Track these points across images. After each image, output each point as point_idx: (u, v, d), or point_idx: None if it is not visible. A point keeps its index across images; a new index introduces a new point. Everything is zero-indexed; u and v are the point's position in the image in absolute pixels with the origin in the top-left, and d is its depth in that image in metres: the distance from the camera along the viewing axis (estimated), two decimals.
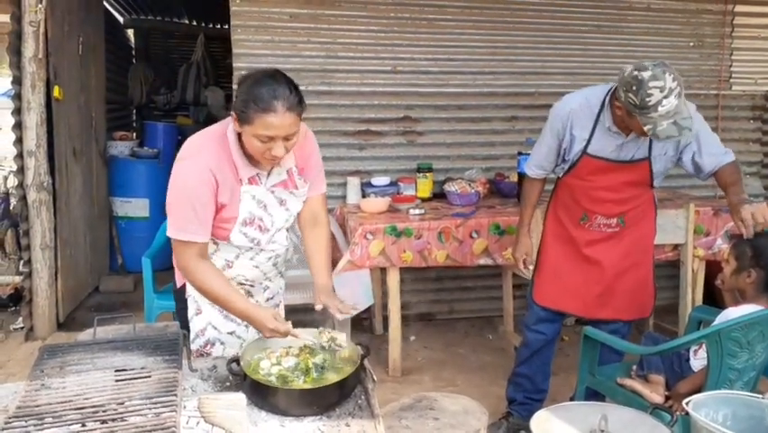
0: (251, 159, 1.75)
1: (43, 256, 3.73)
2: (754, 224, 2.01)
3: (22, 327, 3.84)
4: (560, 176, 2.56)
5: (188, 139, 1.80)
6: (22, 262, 3.87)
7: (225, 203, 1.74)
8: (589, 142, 2.35)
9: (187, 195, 1.70)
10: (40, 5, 3.50)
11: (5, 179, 5.25)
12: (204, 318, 1.91)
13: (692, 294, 3.53)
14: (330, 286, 1.92)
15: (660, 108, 2.02)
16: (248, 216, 1.78)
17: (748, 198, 2.15)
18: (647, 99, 2.02)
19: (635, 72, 2.06)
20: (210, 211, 1.73)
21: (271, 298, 2.09)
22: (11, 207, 4.71)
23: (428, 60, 4.02)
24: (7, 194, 4.96)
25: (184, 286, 1.92)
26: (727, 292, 2.25)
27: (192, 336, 1.91)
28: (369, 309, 3.75)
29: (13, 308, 4.13)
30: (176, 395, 1.32)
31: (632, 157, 2.34)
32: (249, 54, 3.76)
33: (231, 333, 1.93)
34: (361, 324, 3.99)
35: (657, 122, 2.05)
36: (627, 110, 2.13)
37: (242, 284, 1.95)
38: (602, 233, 2.50)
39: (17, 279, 4.04)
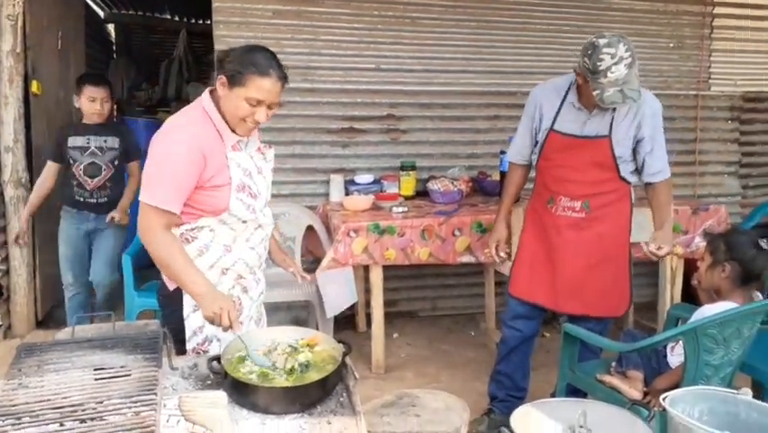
0: (230, 126, 1.81)
1: (21, 253, 3.67)
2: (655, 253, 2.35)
3: (0, 325, 3.78)
4: (534, 164, 2.63)
5: (169, 119, 1.85)
6: None
7: (214, 173, 1.76)
8: (555, 119, 2.45)
9: (172, 165, 1.72)
10: None
11: None
12: (200, 316, 1.83)
13: (671, 292, 3.59)
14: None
15: (609, 74, 2.13)
16: (239, 183, 1.81)
17: (667, 227, 2.44)
18: (598, 64, 2.13)
19: (593, 39, 2.20)
20: (191, 184, 1.74)
21: (261, 294, 2.08)
22: None
23: (412, 59, 4.03)
24: None
25: (178, 288, 1.86)
26: (703, 291, 2.28)
27: (188, 334, 1.89)
28: (352, 307, 3.75)
29: None
30: (155, 394, 1.31)
31: (595, 134, 2.39)
32: None
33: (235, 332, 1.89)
34: (345, 321, 3.99)
35: (605, 88, 2.16)
36: (583, 76, 2.23)
37: (241, 278, 1.94)
38: (568, 218, 2.49)
39: None
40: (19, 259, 3.67)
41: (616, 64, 2.12)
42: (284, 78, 1.77)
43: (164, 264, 1.77)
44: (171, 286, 1.88)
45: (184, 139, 1.74)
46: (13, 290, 3.69)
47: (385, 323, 3.42)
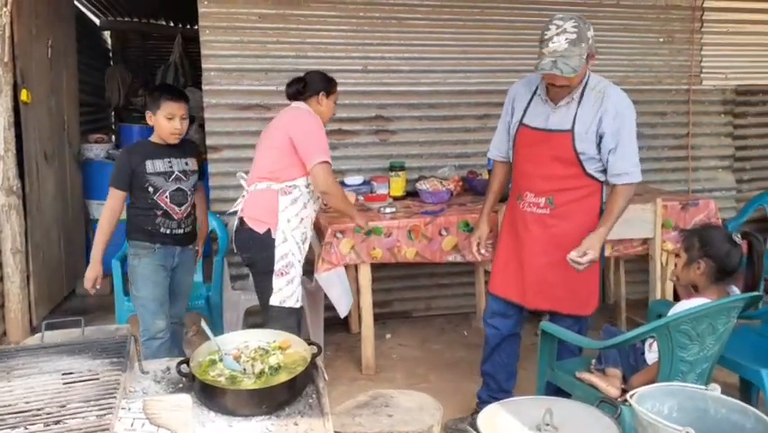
0: None
1: (14, 261, 3.70)
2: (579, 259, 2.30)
3: None
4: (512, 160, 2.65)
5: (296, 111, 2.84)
6: None
7: None
8: (525, 112, 2.48)
9: (321, 131, 2.72)
10: (5, 9, 3.47)
11: None
12: (287, 246, 2.70)
13: (662, 288, 3.56)
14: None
15: (550, 44, 2.18)
16: None
17: (600, 232, 2.35)
18: (545, 33, 2.23)
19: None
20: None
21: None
22: None
23: (399, 59, 4.04)
24: None
25: (269, 230, 2.70)
26: (682, 288, 2.28)
27: (277, 258, 2.70)
28: None
29: None
30: (115, 397, 1.32)
31: (557, 127, 2.39)
32: (218, 55, 3.76)
33: (299, 261, 2.74)
34: (338, 322, 4.00)
35: (542, 57, 2.21)
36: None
37: (308, 229, 2.85)
38: (533, 214, 2.48)
39: None
40: (12, 266, 3.69)
41: (558, 35, 2.17)
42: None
43: (341, 200, 2.87)
44: (262, 229, 2.71)
45: (316, 118, 2.75)
46: (7, 297, 3.72)
47: (378, 324, 3.43)
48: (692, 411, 1.67)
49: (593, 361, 2.30)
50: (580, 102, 2.37)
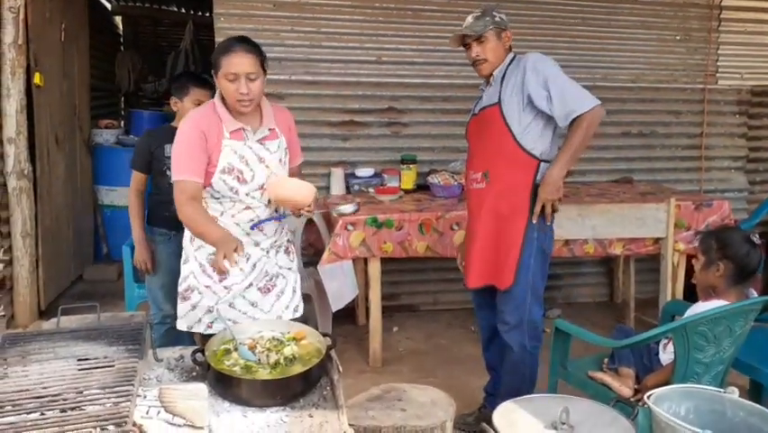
0: (233, 113, 2.04)
1: (24, 244, 3.71)
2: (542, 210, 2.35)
3: (3, 315, 3.82)
4: None
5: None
6: (2, 250, 3.85)
7: (212, 151, 2.03)
8: (476, 104, 2.60)
9: (180, 144, 2.04)
10: None
11: None
12: (188, 267, 2.17)
13: (672, 288, 3.54)
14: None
15: (463, 24, 2.51)
16: (227, 166, 2.03)
17: (553, 173, 2.34)
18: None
19: None
20: (200, 155, 2.01)
21: (263, 276, 2.17)
22: None
23: (413, 51, 4.01)
24: None
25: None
26: (701, 291, 2.24)
27: (180, 279, 2.20)
28: (353, 300, 3.75)
29: None
30: (133, 385, 1.32)
31: (488, 103, 2.48)
32: None
33: (207, 286, 2.12)
34: (345, 314, 4.00)
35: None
36: None
37: None
38: (474, 190, 2.54)
39: None
40: (22, 250, 3.70)
41: (468, 17, 2.50)
42: (256, 52, 1.99)
43: (190, 228, 2.08)
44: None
45: (187, 123, 2.07)
46: (17, 281, 3.73)
47: (385, 317, 3.42)
48: (709, 414, 1.65)
49: (605, 360, 2.29)
50: (503, 77, 2.45)
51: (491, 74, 2.48)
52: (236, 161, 2.04)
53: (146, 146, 2.82)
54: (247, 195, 2.07)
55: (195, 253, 2.16)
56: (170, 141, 2.65)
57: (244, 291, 2.14)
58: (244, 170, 2.05)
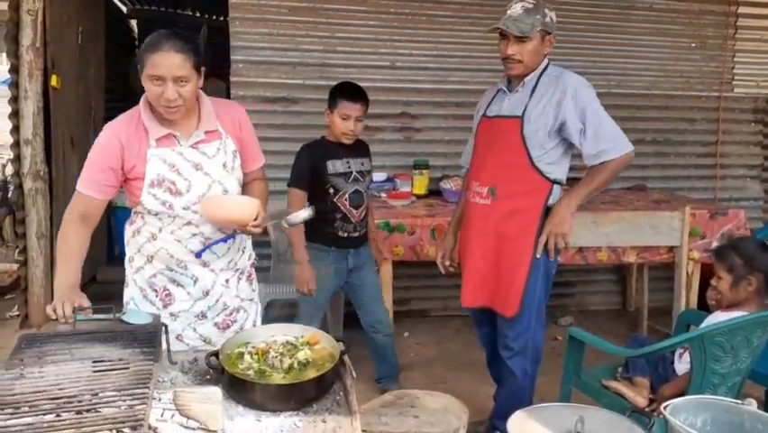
0: (161, 119, 1.80)
1: (39, 245, 3.74)
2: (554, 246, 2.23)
3: (17, 315, 3.86)
4: None
5: None
6: (18, 250, 3.89)
7: (135, 164, 1.80)
8: (488, 105, 2.44)
9: (92, 153, 1.82)
10: None
11: (3, 167, 5.26)
12: (128, 292, 1.99)
13: (687, 297, 3.52)
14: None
15: (509, 11, 2.26)
16: (156, 178, 1.80)
17: (566, 203, 2.24)
18: (508, 5, 2.29)
19: None
20: (108, 171, 1.80)
21: (221, 309, 2.00)
22: (9, 195, 4.73)
23: (427, 57, 4.01)
24: (5, 182, 4.96)
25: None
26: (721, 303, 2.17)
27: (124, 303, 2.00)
28: None
29: (12, 296, 4.15)
30: (148, 388, 1.32)
31: (509, 113, 2.32)
32: (247, 47, 3.76)
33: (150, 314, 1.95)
34: (356, 318, 3.99)
35: (502, 21, 2.27)
36: None
37: (170, 270, 1.93)
38: (477, 205, 2.37)
39: (15, 267, 4.06)
40: (37, 250, 3.73)
41: (516, 3, 2.25)
42: (187, 50, 1.70)
43: (59, 246, 1.88)
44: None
45: (105, 131, 1.83)
46: (31, 281, 3.76)
47: (396, 322, 3.41)
48: (727, 425, 1.63)
49: (619, 369, 2.27)
50: (534, 88, 2.28)
51: (521, 77, 2.31)
52: (166, 171, 1.80)
53: (312, 160, 2.72)
54: (185, 209, 1.83)
55: (134, 277, 1.94)
56: (332, 156, 2.71)
57: (197, 323, 1.95)
58: (177, 181, 1.80)
